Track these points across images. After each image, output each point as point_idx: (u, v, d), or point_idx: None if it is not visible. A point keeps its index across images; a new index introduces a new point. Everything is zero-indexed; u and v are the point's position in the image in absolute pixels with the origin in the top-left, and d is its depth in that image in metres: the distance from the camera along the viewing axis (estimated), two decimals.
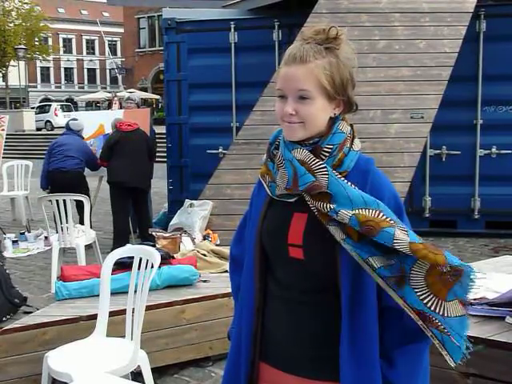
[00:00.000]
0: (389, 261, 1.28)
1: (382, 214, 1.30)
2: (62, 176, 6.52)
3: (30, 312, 4.27)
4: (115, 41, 52.84)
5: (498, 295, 2.70)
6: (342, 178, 1.35)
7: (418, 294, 1.28)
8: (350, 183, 1.34)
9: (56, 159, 6.61)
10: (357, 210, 1.30)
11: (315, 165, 1.36)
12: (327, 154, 1.38)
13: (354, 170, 1.39)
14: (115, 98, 13.91)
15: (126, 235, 6.41)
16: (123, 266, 3.42)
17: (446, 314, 1.27)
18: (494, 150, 7.08)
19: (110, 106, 12.17)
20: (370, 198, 1.32)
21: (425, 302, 1.27)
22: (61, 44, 51.64)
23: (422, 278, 1.27)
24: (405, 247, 1.26)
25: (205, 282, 3.93)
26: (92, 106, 37.61)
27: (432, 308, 1.27)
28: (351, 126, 1.44)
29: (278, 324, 1.45)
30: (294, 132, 1.38)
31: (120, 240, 5.98)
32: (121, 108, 10.15)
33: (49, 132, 27.69)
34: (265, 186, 1.47)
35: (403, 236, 1.27)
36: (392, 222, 1.30)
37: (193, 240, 4.86)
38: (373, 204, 1.32)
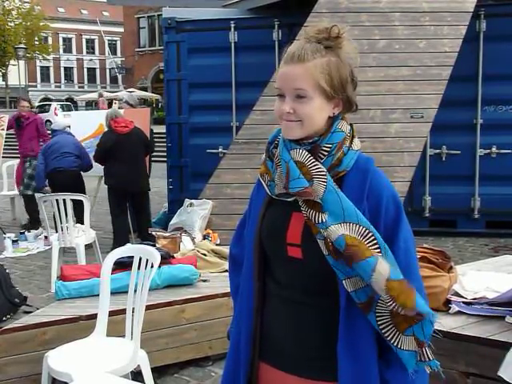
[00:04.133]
0: (362, 283, 1.32)
1: (370, 236, 1.31)
2: (59, 176, 6.52)
3: (30, 312, 4.27)
4: (115, 40, 52.84)
5: (498, 295, 2.70)
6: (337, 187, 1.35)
7: (379, 322, 1.33)
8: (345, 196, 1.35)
9: (52, 158, 6.60)
10: (347, 229, 1.31)
11: (315, 169, 1.36)
12: (326, 153, 1.38)
13: (354, 170, 1.39)
14: (101, 99, 13.47)
15: (126, 235, 6.41)
16: (123, 265, 3.41)
17: (399, 346, 1.33)
18: (493, 149, 7.08)
19: (97, 107, 11.75)
20: (363, 217, 1.33)
21: (383, 331, 1.33)
22: (61, 43, 51.64)
23: (386, 306, 1.32)
24: (380, 284, 1.29)
25: (205, 281, 3.94)
26: (92, 105, 37.60)
27: (388, 338, 1.33)
28: (351, 125, 1.44)
29: (277, 324, 1.45)
30: (291, 130, 1.38)
31: (120, 240, 5.98)
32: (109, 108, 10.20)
33: (49, 131, 27.59)
34: (264, 185, 1.47)
35: (383, 270, 1.29)
36: (377, 250, 1.31)
37: (193, 239, 4.86)
38: (365, 223, 1.32)
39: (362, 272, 1.29)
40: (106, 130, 6.54)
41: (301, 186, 1.35)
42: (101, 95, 18.10)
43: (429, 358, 1.35)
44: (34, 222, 7.84)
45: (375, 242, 1.31)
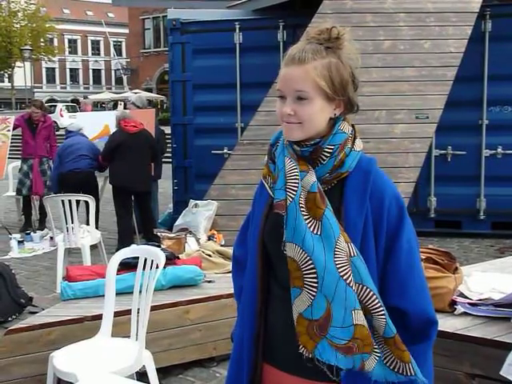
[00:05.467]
0: None
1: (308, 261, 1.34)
2: (75, 177, 6.56)
3: (36, 312, 4.29)
4: (120, 41, 52.99)
5: (503, 296, 2.69)
6: (306, 217, 1.34)
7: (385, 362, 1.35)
8: (310, 227, 1.34)
9: (69, 160, 6.65)
10: (292, 251, 1.35)
11: (292, 183, 1.36)
12: (328, 155, 1.38)
13: (356, 171, 1.39)
14: (83, 101, 13.22)
15: (131, 236, 6.42)
16: (128, 266, 3.42)
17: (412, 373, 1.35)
18: (499, 150, 7.05)
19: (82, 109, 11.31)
20: (310, 240, 1.34)
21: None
22: (66, 45, 51.84)
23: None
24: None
25: (209, 282, 3.94)
26: (97, 106, 37.71)
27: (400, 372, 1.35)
28: (353, 126, 1.44)
29: (281, 324, 1.45)
30: (292, 132, 1.39)
31: (125, 241, 6.00)
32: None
33: (58, 133, 27.65)
34: (266, 187, 1.48)
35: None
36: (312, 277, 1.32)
37: (197, 240, 4.86)
38: (305, 246, 1.34)
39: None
40: (115, 129, 6.56)
41: (278, 198, 1.37)
42: (85, 97, 17.89)
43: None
44: (44, 223, 7.90)
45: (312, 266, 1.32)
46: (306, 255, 1.32)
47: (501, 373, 2.15)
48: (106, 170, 6.85)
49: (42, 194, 7.74)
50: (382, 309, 1.31)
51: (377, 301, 1.31)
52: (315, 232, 1.32)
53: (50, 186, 7.82)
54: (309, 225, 1.33)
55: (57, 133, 9.81)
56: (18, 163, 8.99)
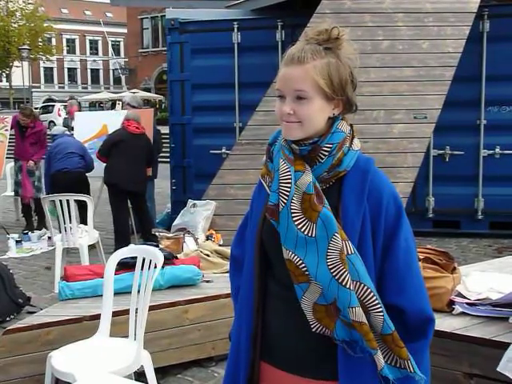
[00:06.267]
0: None
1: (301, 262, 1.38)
2: (64, 177, 6.54)
3: (34, 312, 4.28)
4: (118, 41, 52.97)
5: (501, 296, 2.69)
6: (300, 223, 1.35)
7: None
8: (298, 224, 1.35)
9: (57, 160, 6.63)
10: (286, 254, 1.37)
11: (284, 186, 1.37)
12: (326, 154, 1.39)
13: (354, 170, 1.40)
14: (70, 101, 13.01)
15: (127, 235, 6.39)
16: (126, 266, 3.42)
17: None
18: (497, 150, 7.06)
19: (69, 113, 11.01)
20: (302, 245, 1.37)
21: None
22: (64, 44, 51.76)
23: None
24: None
25: (208, 282, 3.94)
26: (95, 106, 37.70)
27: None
28: (351, 125, 1.45)
29: (278, 323, 1.46)
30: (291, 131, 1.39)
31: (121, 240, 5.98)
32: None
33: (49, 138, 27.57)
34: (265, 186, 1.48)
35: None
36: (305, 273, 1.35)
37: (196, 240, 4.86)
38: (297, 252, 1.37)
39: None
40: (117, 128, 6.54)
41: (272, 201, 1.39)
42: (72, 98, 17.35)
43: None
44: (42, 223, 7.89)
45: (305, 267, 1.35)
46: (298, 259, 1.35)
47: (498, 369, 2.15)
48: (92, 170, 6.85)
49: (34, 196, 7.73)
50: (379, 306, 1.33)
51: (374, 298, 1.32)
52: (309, 234, 1.34)
53: (38, 187, 7.79)
54: (302, 228, 1.35)
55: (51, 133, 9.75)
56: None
